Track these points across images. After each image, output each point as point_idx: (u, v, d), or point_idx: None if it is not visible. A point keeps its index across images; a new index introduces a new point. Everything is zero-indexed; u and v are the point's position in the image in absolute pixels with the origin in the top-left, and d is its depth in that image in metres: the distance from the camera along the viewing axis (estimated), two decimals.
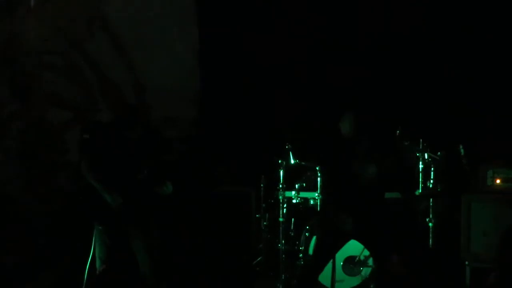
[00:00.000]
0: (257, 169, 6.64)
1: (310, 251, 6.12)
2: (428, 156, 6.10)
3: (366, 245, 5.66)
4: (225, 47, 7.54)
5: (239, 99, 7.46)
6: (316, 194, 6.29)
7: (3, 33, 7.01)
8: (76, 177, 5.21)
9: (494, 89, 6.94)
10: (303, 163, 6.36)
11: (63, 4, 7.17)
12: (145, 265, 5.26)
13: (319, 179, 6.25)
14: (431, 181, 6.05)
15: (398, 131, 6.04)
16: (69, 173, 6.96)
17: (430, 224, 6.03)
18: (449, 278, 6.09)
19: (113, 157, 5.20)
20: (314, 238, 6.05)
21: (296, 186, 6.46)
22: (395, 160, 5.61)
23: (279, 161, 6.26)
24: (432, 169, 6.06)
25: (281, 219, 6.30)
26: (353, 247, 5.96)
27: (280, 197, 6.28)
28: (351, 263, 6.10)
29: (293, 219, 6.57)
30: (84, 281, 5.22)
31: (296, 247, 6.41)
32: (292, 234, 6.53)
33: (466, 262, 5.97)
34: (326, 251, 5.44)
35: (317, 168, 6.26)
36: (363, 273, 6.06)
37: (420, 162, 6.09)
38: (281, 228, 6.31)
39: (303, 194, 6.44)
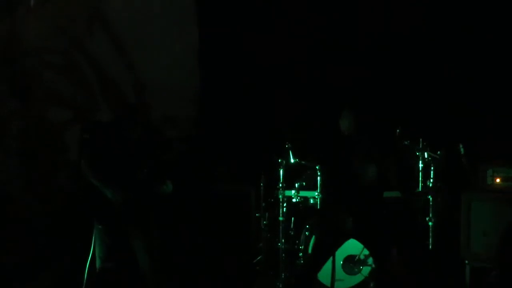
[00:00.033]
0: (257, 168, 6.65)
1: (310, 250, 6.12)
2: (428, 155, 6.09)
3: (366, 245, 5.66)
4: (225, 47, 7.55)
5: (239, 98, 7.46)
6: (316, 193, 6.27)
7: (3, 33, 7.00)
8: (76, 177, 5.21)
9: (494, 89, 6.94)
10: (303, 162, 6.35)
11: (63, 3, 7.16)
12: (145, 264, 5.26)
13: (319, 178, 6.24)
14: (431, 180, 6.05)
15: (398, 131, 6.04)
16: (69, 173, 6.96)
17: (430, 223, 6.02)
18: (449, 277, 6.09)
19: (113, 157, 5.20)
20: (314, 237, 6.05)
21: (296, 185, 6.44)
22: (395, 160, 5.63)
23: (279, 160, 6.25)
24: (432, 168, 6.04)
25: (281, 218, 6.29)
26: (353, 246, 5.95)
27: (280, 196, 6.27)
28: (351, 262, 6.08)
29: (293, 218, 6.56)
30: (84, 281, 5.21)
31: (296, 246, 6.39)
32: (292, 233, 6.52)
33: (466, 261, 5.97)
34: (326, 250, 5.45)
35: (317, 167, 6.25)
36: (363, 272, 6.05)
37: (420, 161, 6.09)
38: (281, 227, 6.30)
39: (303, 193, 6.43)
